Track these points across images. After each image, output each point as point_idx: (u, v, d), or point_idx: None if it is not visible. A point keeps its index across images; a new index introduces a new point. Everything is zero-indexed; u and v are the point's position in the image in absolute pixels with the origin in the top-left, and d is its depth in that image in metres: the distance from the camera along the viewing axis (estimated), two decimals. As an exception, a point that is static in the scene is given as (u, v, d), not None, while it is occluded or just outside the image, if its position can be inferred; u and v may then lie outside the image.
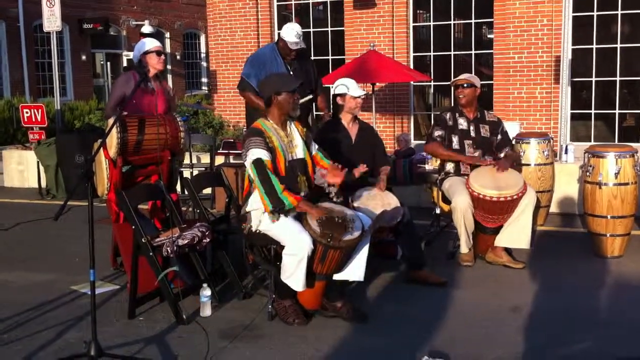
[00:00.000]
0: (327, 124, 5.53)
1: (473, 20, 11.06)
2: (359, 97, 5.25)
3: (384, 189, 5.13)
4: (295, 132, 4.58)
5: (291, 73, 5.98)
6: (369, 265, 4.47)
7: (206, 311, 4.53)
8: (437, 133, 5.72)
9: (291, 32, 6.01)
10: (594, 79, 10.26)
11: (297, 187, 4.44)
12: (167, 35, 23.22)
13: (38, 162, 9.50)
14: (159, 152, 5.10)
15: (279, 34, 6.09)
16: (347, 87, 5.24)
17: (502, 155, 5.73)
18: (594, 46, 10.13)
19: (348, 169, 4.99)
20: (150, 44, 5.43)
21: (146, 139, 5.12)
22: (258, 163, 4.26)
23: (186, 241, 4.47)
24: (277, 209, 4.23)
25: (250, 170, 4.30)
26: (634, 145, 6.33)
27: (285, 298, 4.40)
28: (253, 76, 6.08)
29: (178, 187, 6.23)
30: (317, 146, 4.71)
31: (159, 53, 5.40)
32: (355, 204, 4.84)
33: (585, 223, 6.03)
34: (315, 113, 7.12)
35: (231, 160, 8.54)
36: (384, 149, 5.64)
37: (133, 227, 4.44)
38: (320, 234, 4.11)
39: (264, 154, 4.28)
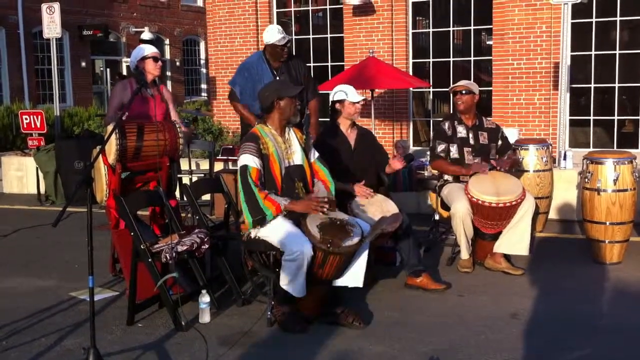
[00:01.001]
0: (326, 130, 5.54)
1: (472, 27, 11.09)
2: (357, 102, 5.26)
3: (403, 164, 5.21)
4: (294, 138, 4.59)
5: (277, 78, 5.95)
6: (368, 272, 4.47)
7: (205, 317, 4.52)
8: (440, 148, 5.72)
9: (273, 32, 5.91)
10: (592, 85, 10.29)
11: (294, 193, 4.45)
12: (167, 41, 23.26)
13: (37, 168, 9.50)
14: (158, 158, 5.10)
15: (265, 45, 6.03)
16: (345, 94, 5.25)
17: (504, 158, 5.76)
18: (593, 52, 10.15)
19: (348, 178, 5.03)
20: (147, 49, 5.43)
21: (145, 146, 5.11)
22: (242, 170, 4.33)
23: (185, 247, 4.47)
24: (258, 221, 4.26)
25: (238, 175, 4.38)
26: (633, 151, 6.34)
27: (284, 304, 4.39)
28: (238, 84, 6.11)
29: (177, 194, 6.22)
30: (317, 154, 4.71)
31: (155, 59, 5.40)
32: (354, 211, 4.85)
33: (584, 229, 6.03)
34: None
35: (230, 167, 8.53)
36: (385, 153, 5.63)
37: (132, 233, 4.44)
38: (320, 240, 4.11)
39: (252, 161, 4.31)
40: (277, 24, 12.19)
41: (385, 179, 5.56)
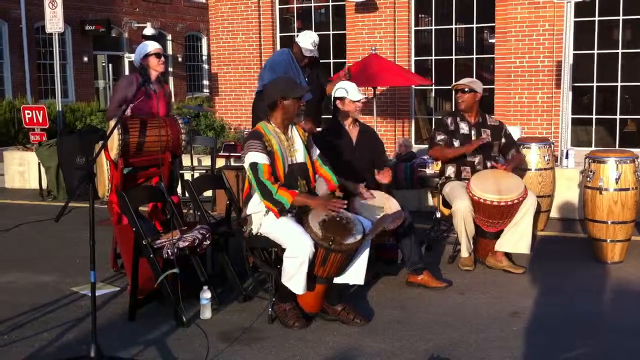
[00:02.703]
0: (328, 127, 5.54)
1: (475, 25, 11.07)
2: (358, 101, 5.26)
3: (389, 179, 5.16)
4: (296, 136, 4.59)
5: (306, 79, 6.07)
6: (369, 269, 4.48)
7: (206, 314, 4.53)
8: (440, 137, 5.72)
9: (308, 40, 6.15)
10: (595, 84, 10.27)
11: (297, 191, 4.45)
12: (169, 37, 23.26)
13: (39, 163, 9.50)
14: (160, 154, 5.11)
15: (294, 37, 6.21)
16: (346, 91, 5.25)
17: (508, 157, 5.76)
18: (595, 51, 10.14)
19: (350, 174, 5.03)
20: (151, 46, 5.44)
21: (148, 141, 5.12)
22: (253, 168, 4.33)
23: (187, 243, 4.48)
24: (280, 211, 4.25)
25: (248, 174, 4.37)
26: (635, 150, 6.34)
27: (285, 301, 4.40)
28: None
29: (179, 189, 6.23)
30: (318, 152, 4.71)
31: (158, 55, 5.41)
32: (356, 208, 4.85)
33: (585, 228, 6.03)
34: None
35: (232, 163, 8.54)
36: (384, 152, 5.66)
37: (134, 229, 4.44)
38: (322, 237, 4.11)
39: (260, 158, 4.31)
40: (280, 20, 12.20)
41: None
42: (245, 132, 9.62)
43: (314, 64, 6.40)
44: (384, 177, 5.21)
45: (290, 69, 6.12)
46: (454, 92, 5.82)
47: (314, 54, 6.14)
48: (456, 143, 5.70)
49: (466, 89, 5.66)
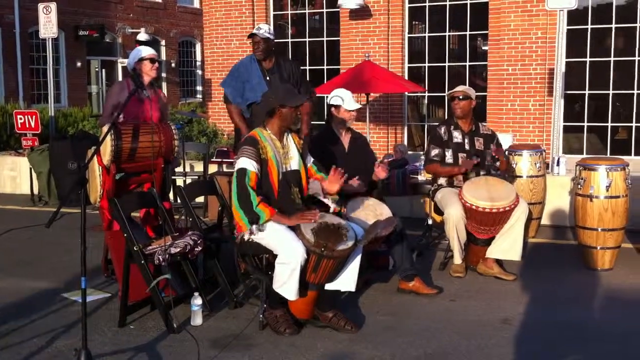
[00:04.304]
0: (321, 133, 5.55)
1: (468, 32, 11.12)
2: (353, 110, 5.27)
3: (385, 174, 5.17)
4: (291, 143, 4.59)
5: (267, 78, 6.06)
6: (360, 276, 4.48)
7: (197, 320, 4.52)
8: (434, 152, 5.74)
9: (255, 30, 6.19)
10: (587, 92, 10.33)
11: (290, 198, 4.46)
12: (163, 43, 23.23)
13: (31, 169, 9.48)
14: (152, 160, 5.11)
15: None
16: (342, 100, 5.26)
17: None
18: (588, 59, 10.20)
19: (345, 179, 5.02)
20: (144, 51, 5.45)
21: (140, 147, 5.12)
22: (240, 173, 4.32)
23: (178, 249, 4.47)
24: (253, 220, 4.25)
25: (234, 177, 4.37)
26: (626, 158, 6.37)
27: (276, 307, 4.40)
28: (227, 84, 6.29)
29: (171, 195, 6.22)
30: (312, 159, 4.72)
31: (152, 60, 5.42)
32: (348, 215, 4.85)
33: (576, 235, 6.05)
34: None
35: (224, 169, 8.55)
36: (375, 159, 5.67)
37: (125, 234, 4.43)
38: (315, 243, 4.11)
39: (251, 165, 4.31)
40: (274, 26, 12.21)
41: (378, 184, 5.57)
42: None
43: (283, 62, 6.33)
44: (380, 172, 5.18)
45: (245, 71, 6.15)
46: (449, 99, 5.84)
47: (262, 35, 6.05)
48: (448, 153, 5.71)
49: (462, 96, 5.68)
